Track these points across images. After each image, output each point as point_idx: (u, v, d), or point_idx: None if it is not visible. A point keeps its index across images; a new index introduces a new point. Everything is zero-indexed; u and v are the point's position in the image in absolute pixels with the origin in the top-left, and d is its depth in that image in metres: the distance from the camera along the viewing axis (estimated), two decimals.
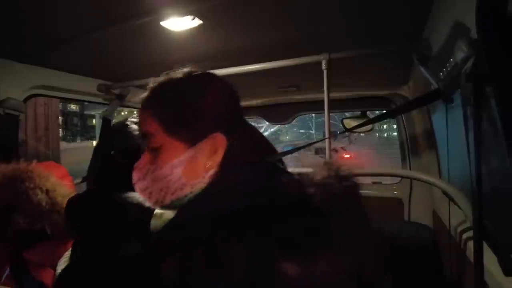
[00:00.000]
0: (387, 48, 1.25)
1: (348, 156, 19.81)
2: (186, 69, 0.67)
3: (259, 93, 2.40)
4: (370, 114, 2.56)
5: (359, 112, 2.53)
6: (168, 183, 0.58)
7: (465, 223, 1.38)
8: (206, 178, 0.59)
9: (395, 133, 2.95)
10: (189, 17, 1.05)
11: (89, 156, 1.67)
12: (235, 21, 1.13)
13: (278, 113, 2.63)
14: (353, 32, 1.24)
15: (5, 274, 1.08)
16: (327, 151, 1.39)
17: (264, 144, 0.67)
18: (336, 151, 19.08)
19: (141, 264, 0.67)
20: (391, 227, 1.82)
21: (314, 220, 0.50)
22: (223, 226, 0.49)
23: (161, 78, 0.65)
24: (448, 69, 1.21)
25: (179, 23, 1.09)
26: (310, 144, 2.63)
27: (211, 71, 0.69)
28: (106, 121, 1.86)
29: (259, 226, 0.48)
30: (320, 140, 1.41)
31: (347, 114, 2.91)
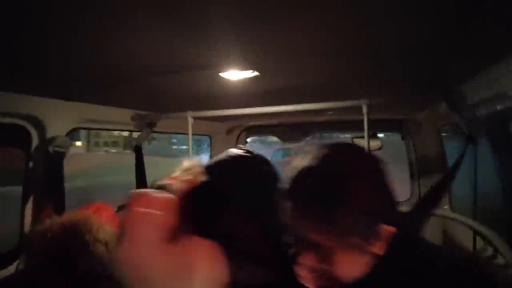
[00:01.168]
0: (420, 94, 1.35)
1: None
2: (328, 149, 0.62)
3: (277, 113, 2.46)
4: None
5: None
6: (339, 277, 0.58)
7: (485, 251, 1.50)
8: (370, 263, 0.59)
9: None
10: (249, 71, 1.13)
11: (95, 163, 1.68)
12: (284, 69, 1.19)
13: (293, 133, 2.70)
14: (389, 78, 1.33)
15: None
16: None
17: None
18: None
19: None
20: None
21: None
22: None
23: (303, 165, 0.59)
24: (476, 115, 1.32)
25: (238, 74, 1.16)
26: None
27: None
28: (138, 149, 1.88)
29: None
30: None
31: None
